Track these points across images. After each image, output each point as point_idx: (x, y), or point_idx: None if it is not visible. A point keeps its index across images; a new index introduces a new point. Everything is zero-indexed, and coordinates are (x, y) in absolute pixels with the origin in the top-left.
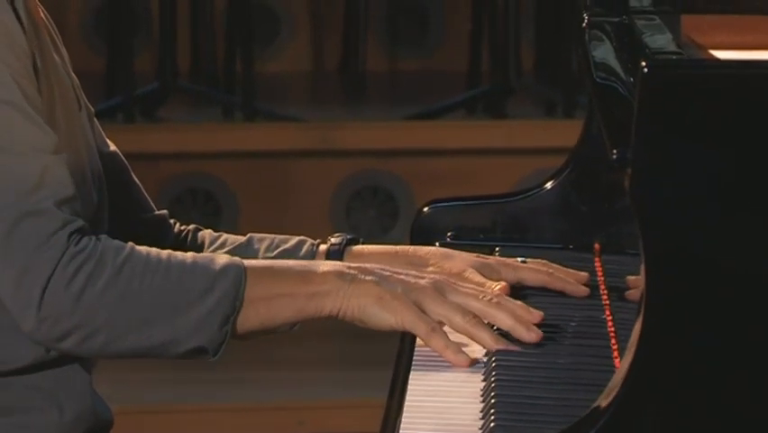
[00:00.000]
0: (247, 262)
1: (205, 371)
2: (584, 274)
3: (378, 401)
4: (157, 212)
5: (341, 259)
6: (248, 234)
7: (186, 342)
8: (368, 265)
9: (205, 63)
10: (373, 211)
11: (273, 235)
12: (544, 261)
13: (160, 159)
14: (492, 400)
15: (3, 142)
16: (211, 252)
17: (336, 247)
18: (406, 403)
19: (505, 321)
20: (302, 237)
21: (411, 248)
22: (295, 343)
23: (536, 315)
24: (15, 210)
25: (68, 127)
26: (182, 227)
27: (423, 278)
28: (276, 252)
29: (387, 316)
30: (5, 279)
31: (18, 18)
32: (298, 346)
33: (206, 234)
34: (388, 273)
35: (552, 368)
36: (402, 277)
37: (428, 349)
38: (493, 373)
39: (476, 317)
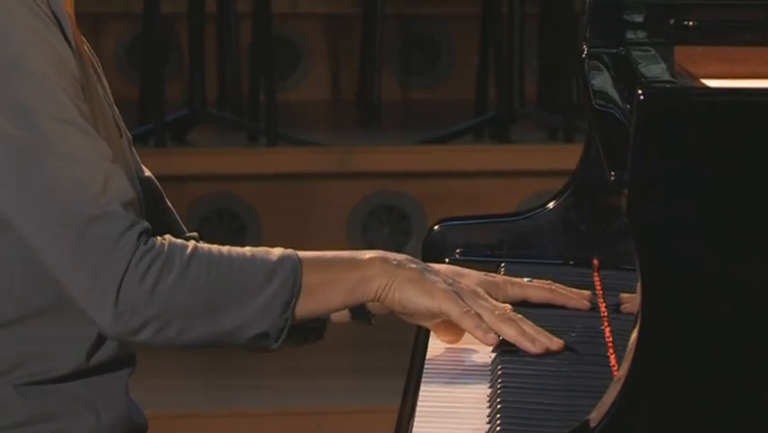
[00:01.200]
0: (300, 253)
1: (232, 378)
2: (587, 293)
3: (391, 407)
4: (188, 233)
5: None
6: None
7: (251, 328)
8: (407, 256)
9: (231, 92)
10: (388, 229)
11: None
12: (548, 281)
13: (189, 181)
14: (498, 406)
15: (66, 153)
16: None
17: None
18: (418, 409)
19: (509, 331)
20: None
21: (424, 265)
22: (314, 353)
23: (557, 342)
24: (85, 214)
25: (110, 146)
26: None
27: (460, 283)
28: None
29: (425, 299)
30: (79, 279)
31: (70, 47)
32: (317, 357)
33: None
34: (429, 269)
35: (554, 376)
36: (442, 274)
37: (438, 359)
38: (499, 381)
39: (506, 314)
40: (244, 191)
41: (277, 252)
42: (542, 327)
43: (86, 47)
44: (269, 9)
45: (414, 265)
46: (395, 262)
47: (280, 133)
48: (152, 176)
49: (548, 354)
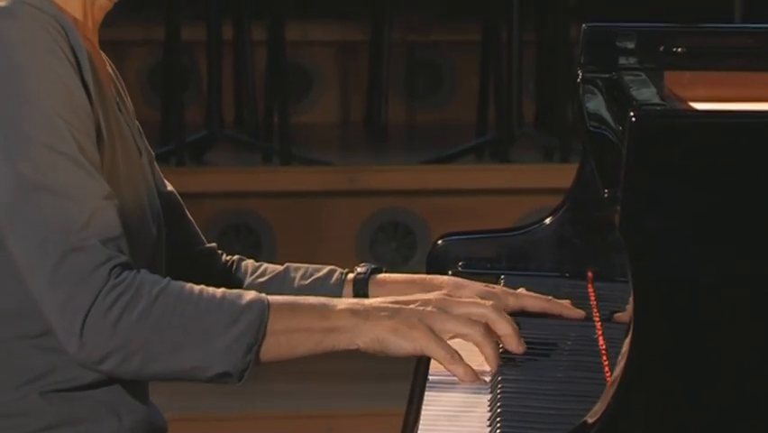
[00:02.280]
0: (271, 298)
1: (247, 383)
2: (581, 312)
3: (397, 411)
4: (207, 245)
5: (366, 286)
6: (285, 264)
7: (213, 367)
8: (378, 302)
9: (246, 115)
10: (394, 244)
11: (307, 265)
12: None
13: (207, 198)
14: (498, 410)
15: (56, 186)
16: (252, 280)
17: (362, 276)
18: (423, 412)
19: (504, 327)
20: (332, 267)
21: (428, 277)
22: (324, 359)
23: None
24: (64, 246)
25: (129, 171)
26: (228, 258)
27: (429, 301)
28: (309, 280)
29: (405, 344)
30: (53, 307)
31: (84, 81)
32: (327, 362)
33: (249, 263)
34: (398, 306)
35: (551, 381)
36: (411, 307)
37: (441, 366)
38: (499, 386)
39: (484, 328)
40: (259, 207)
41: (249, 295)
42: (539, 336)
43: (109, 67)
44: (283, 37)
45: (384, 312)
46: (364, 314)
47: (293, 153)
48: (174, 190)
49: (545, 359)
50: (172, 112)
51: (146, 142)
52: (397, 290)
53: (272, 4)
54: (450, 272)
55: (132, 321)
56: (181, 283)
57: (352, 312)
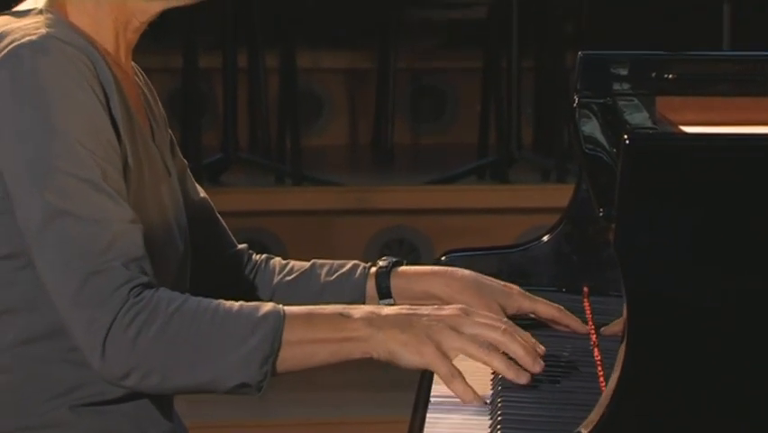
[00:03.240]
0: (287, 308)
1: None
2: (586, 327)
3: (405, 418)
4: (238, 247)
5: (388, 278)
6: (311, 261)
7: (230, 379)
8: (393, 311)
9: (260, 138)
10: None
11: (332, 261)
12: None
13: (223, 217)
14: (499, 418)
15: (80, 212)
16: (280, 278)
17: (384, 269)
18: (427, 420)
19: (517, 350)
20: (356, 262)
21: (449, 269)
22: (335, 370)
23: (540, 349)
24: (87, 268)
25: (156, 190)
26: (257, 258)
27: (442, 318)
28: (334, 276)
29: (414, 358)
30: (78, 326)
31: (112, 114)
32: (338, 373)
33: (277, 262)
34: (412, 319)
35: (549, 390)
36: (424, 321)
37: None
38: (499, 395)
39: (490, 346)
40: (272, 226)
41: (266, 307)
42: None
43: (141, 83)
44: (295, 65)
45: (396, 325)
46: (378, 324)
47: (304, 175)
48: (206, 196)
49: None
50: (190, 135)
51: (179, 152)
52: (419, 280)
53: (284, 33)
54: None
55: (149, 338)
56: (198, 299)
57: (367, 322)
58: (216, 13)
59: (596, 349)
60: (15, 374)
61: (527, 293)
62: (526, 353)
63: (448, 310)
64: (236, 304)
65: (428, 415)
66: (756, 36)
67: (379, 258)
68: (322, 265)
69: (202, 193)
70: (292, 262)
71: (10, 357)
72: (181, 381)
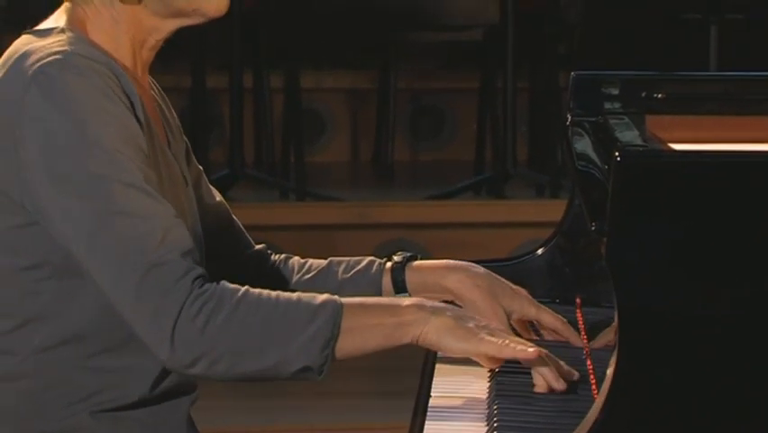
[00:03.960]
0: (344, 298)
1: (272, 400)
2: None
3: (405, 424)
4: (257, 247)
5: (403, 272)
6: (329, 259)
7: (294, 363)
8: (441, 304)
9: (265, 155)
10: None
11: (349, 258)
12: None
13: None
14: (495, 424)
15: (129, 211)
16: (299, 277)
17: (399, 264)
18: (426, 427)
19: (546, 374)
20: (372, 258)
21: (464, 264)
22: (339, 378)
23: (575, 374)
24: (145, 263)
25: (175, 199)
26: (276, 257)
27: (484, 321)
28: (351, 272)
29: (461, 343)
30: (141, 320)
31: (137, 118)
32: (342, 381)
33: (295, 261)
34: (459, 312)
35: (543, 398)
36: (469, 315)
37: (443, 384)
38: (495, 402)
39: (537, 351)
40: (277, 240)
41: (322, 297)
42: None
43: (156, 90)
44: (298, 85)
45: (448, 312)
46: (430, 309)
47: (308, 190)
48: (222, 200)
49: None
50: (198, 152)
51: (194, 159)
52: (433, 273)
53: (288, 55)
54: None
55: (217, 326)
56: (258, 290)
57: (417, 308)
58: (224, 36)
59: (588, 359)
60: (37, 381)
61: (534, 301)
62: (550, 374)
63: (495, 324)
64: (294, 294)
65: (426, 422)
66: (741, 57)
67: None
68: (339, 263)
69: (218, 197)
70: (310, 261)
71: (33, 364)
72: (247, 367)
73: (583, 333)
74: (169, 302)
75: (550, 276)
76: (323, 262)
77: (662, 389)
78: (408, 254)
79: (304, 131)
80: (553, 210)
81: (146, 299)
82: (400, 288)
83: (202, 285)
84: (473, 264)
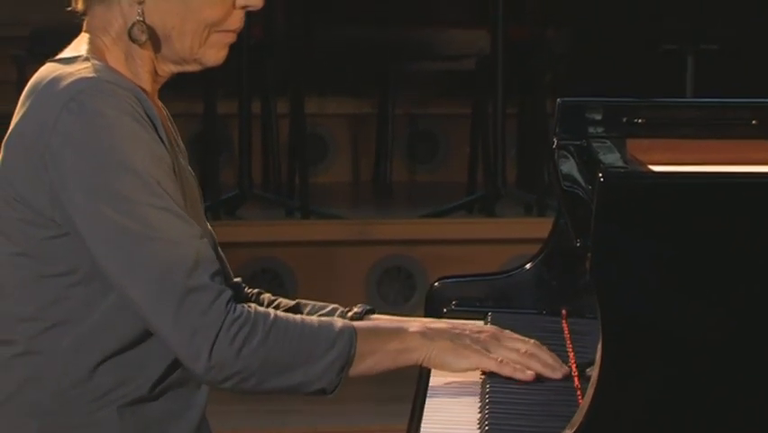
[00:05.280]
0: (357, 324)
1: (275, 404)
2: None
3: (402, 427)
4: (234, 280)
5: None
6: (296, 300)
7: (314, 384)
8: (443, 326)
9: (272, 176)
10: (397, 285)
11: (315, 302)
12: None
13: (239, 247)
14: (486, 428)
15: (163, 236)
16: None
17: (357, 315)
18: (422, 429)
19: (547, 358)
20: (335, 305)
21: (411, 319)
22: (345, 384)
23: (564, 368)
24: (182, 287)
25: (195, 212)
26: (249, 291)
27: (483, 331)
28: (314, 315)
29: (462, 361)
30: (179, 340)
31: (161, 140)
32: (347, 386)
33: (266, 297)
34: (458, 331)
35: (531, 403)
36: (467, 333)
37: (438, 390)
38: (487, 407)
39: (529, 353)
40: (283, 255)
41: (339, 323)
42: None
43: (166, 116)
44: (303, 110)
45: (446, 335)
46: (431, 335)
47: (312, 209)
48: (212, 230)
49: (525, 384)
50: (209, 173)
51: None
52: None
53: (294, 82)
54: (444, 309)
55: (251, 350)
56: (285, 315)
57: (422, 335)
58: (233, 65)
59: (574, 366)
60: (64, 380)
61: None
62: (555, 360)
63: (487, 329)
64: (315, 320)
65: (422, 426)
66: (716, 85)
67: (378, 286)
68: (305, 305)
69: (208, 226)
70: (279, 299)
71: (61, 364)
72: (273, 385)
73: (569, 342)
74: (207, 325)
75: (537, 289)
76: (291, 302)
77: (643, 396)
78: (367, 307)
79: (308, 153)
80: (541, 228)
81: (185, 322)
82: None
83: (236, 308)
84: (432, 321)
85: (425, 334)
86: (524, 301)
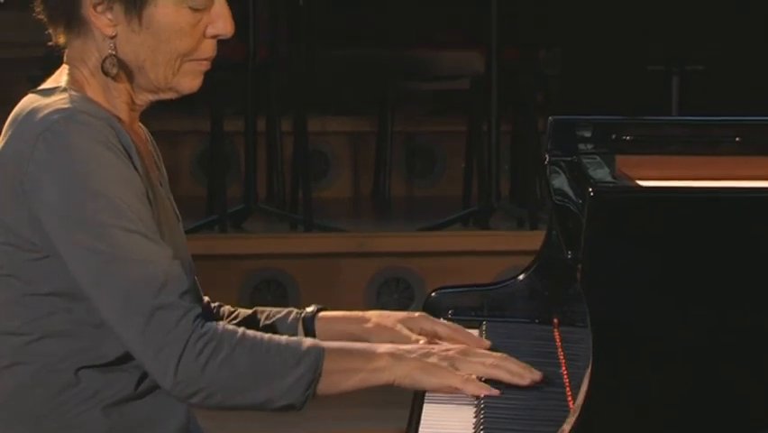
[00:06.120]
0: (326, 343)
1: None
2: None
3: (403, 430)
4: (204, 299)
5: (313, 321)
6: (254, 308)
7: (279, 401)
8: (411, 347)
9: (277, 191)
10: (396, 295)
11: (271, 308)
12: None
13: (245, 258)
14: (482, 432)
15: (132, 256)
16: (228, 321)
17: (309, 314)
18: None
19: (513, 367)
20: (290, 309)
21: (360, 314)
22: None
23: (536, 374)
24: (150, 305)
25: (171, 236)
26: (213, 305)
27: (450, 349)
28: (272, 320)
29: (430, 379)
30: (147, 356)
31: (134, 165)
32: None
33: (226, 309)
34: (425, 351)
35: (524, 408)
36: (435, 351)
37: (435, 395)
38: (482, 413)
39: (493, 364)
40: (287, 266)
41: (307, 342)
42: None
43: (150, 147)
44: (306, 128)
45: (413, 355)
46: (399, 356)
47: (314, 222)
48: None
49: (520, 390)
50: (217, 189)
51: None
52: (336, 323)
53: (297, 102)
54: (441, 319)
55: (216, 365)
56: (252, 333)
57: (390, 355)
58: (239, 85)
59: (564, 373)
60: (52, 387)
61: (430, 317)
62: (521, 368)
63: (454, 348)
64: (283, 338)
65: (420, 430)
66: (700, 104)
67: (377, 296)
68: (262, 312)
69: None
70: (238, 309)
71: (48, 372)
72: (239, 401)
73: (560, 349)
74: (173, 341)
75: (530, 299)
76: (248, 311)
77: (631, 401)
78: (319, 306)
79: (311, 169)
80: (533, 240)
81: (152, 339)
82: (310, 335)
83: (203, 325)
84: (367, 312)
85: (394, 354)
86: (517, 310)
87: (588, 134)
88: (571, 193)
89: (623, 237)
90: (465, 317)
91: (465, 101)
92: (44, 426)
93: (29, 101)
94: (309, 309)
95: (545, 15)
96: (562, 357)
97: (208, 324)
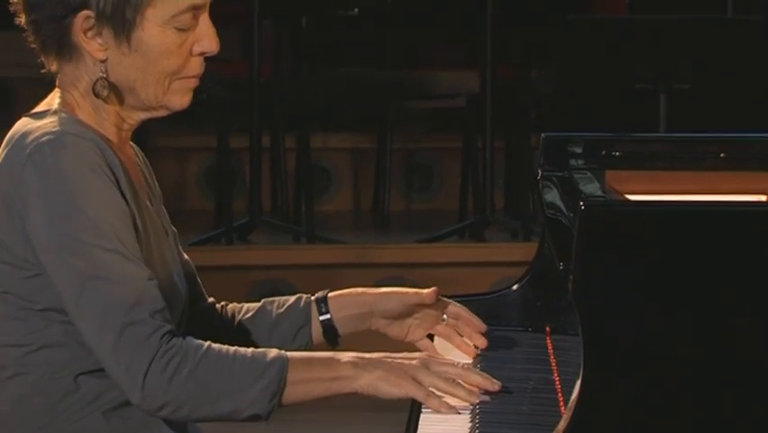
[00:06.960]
0: (290, 354)
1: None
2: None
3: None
4: (209, 300)
5: (326, 302)
6: (262, 300)
7: (245, 411)
8: (375, 356)
9: (280, 204)
10: None
11: (279, 297)
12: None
13: (250, 269)
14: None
15: (108, 275)
16: (240, 317)
17: (321, 296)
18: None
19: (476, 379)
20: (300, 294)
21: (372, 289)
22: (343, 393)
23: (497, 383)
24: (121, 322)
25: (160, 250)
26: (219, 305)
27: (413, 358)
28: (284, 308)
29: (393, 389)
30: (118, 370)
31: (121, 190)
32: (345, 396)
33: (233, 306)
34: (389, 360)
35: (517, 413)
36: (399, 361)
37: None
38: (477, 417)
39: (454, 381)
40: (290, 277)
41: (272, 353)
42: (510, 376)
43: (141, 165)
44: (308, 145)
45: (377, 364)
46: (362, 365)
47: (316, 235)
48: (189, 259)
49: (513, 395)
50: (223, 203)
51: (170, 222)
52: (350, 300)
53: (300, 119)
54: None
55: (181, 379)
56: (218, 346)
57: (353, 364)
58: (244, 103)
59: (557, 379)
60: (51, 396)
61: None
62: (484, 379)
63: (416, 356)
64: (249, 351)
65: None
66: (687, 121)
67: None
68: (272, 302)
69: (185, 256)
70: (246, 305)
71: (47, 381)
72: (206, 412)
73: (552, 357)
74: (141, 357)
75: (523, 308)
76: (257, 304)
77: (621, 408)
78: (327, 291)
79: (313, 184)
80: (526, 252)
81: (121, 354)
82: (323, 312)
83: (170, 341)
84: (381, 288)
85: (357, 364)
86: (511, 319)
87: (579, 150)
88: (562, 207)
89: (613, 249)
90: None
91: (461, 119)
92: None
93: (22, 124)
94: (320, 293)
95: (539, 37)
96: (554, 364)
97: (175, 339)
